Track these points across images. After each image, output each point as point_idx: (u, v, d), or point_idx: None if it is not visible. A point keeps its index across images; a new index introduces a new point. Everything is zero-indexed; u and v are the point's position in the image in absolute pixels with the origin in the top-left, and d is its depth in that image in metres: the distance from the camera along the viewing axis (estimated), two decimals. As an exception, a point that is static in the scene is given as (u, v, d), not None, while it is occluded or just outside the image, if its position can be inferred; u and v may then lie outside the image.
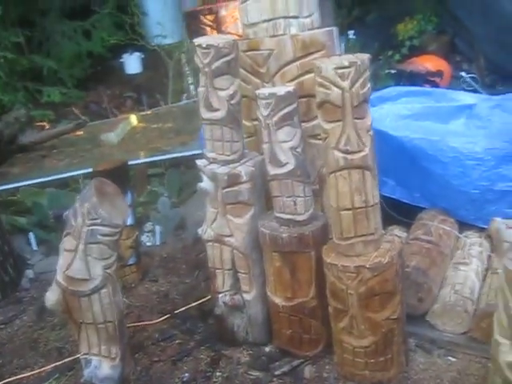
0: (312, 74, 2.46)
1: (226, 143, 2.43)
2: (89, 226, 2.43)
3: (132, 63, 8.67)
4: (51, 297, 2.56)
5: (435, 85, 4.05)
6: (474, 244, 2.99)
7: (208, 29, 3.70)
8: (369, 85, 2.10)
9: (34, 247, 3.91)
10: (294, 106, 2.30)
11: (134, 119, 4.30)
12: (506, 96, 3.28)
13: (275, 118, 2.27)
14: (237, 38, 3.66)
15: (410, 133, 2.99)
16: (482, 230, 3.04)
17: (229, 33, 3.67)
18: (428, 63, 4.08)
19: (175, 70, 5.72)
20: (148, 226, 3.86)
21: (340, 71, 2.03)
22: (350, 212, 2.21)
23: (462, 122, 3.10)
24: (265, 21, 2.52)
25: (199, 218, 3.85)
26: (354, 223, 2.23)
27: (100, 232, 2.44)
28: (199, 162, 2.52)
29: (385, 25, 7.13)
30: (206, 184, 2.50)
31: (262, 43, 2.53)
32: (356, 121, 2.10)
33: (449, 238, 3.00)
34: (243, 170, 2.44)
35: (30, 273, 3.70)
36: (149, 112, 4.75)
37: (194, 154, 3.42)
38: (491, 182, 2.91)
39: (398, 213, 3.13)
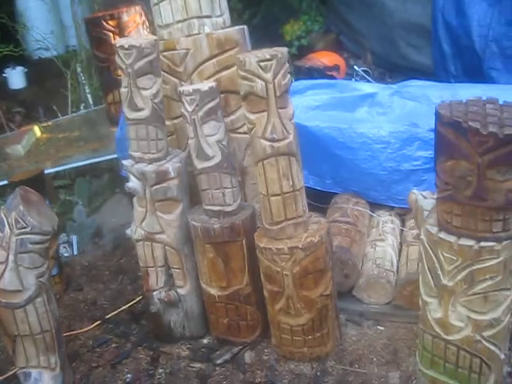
0: (228, 71, 2.62)
1: (151, 142, 2.48)
2: (18, 235, 2.40)
3: (15, 78, 8.40)
4: (-18, 313, 2.48)
5: (333, 78, 4.28)
6: (386, 222, 3.21)
7: (111, 34, 3.68)
8: (289, 76, 2.23)
9: None
10: (217, 100, 2.38)
11: (37, 130, 4.21)
12: (402, 84, 3.54)
13: (200, 113, 2.34)
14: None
15: (319, 122, 3.16)
16: (391, 208, 3.29)
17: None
18: (325, 58, 4.31)
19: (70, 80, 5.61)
20: (63, 236, 3.80)
21: (263, 64, 2.14)
22: (280, 197, 2.33)
23: (366, 109, 3.32)
24: (179, 21, 2.59)
25: (114, 225, 3.89)
26: (283, 207, 2.34)
27: (30, 240, 2.40)
28: (125, 162, 2.55)
29: (272, 26, 7.37)
30: (133, 183, 2.54)
31: (178, 43, 2.60)
32: (280, 110, 2.22)
33: (363, 218, 3.20)
34: (171, 166, 2.50)
35: None
36: (50, 123, 4.65)
37: (113, 158, 3.41)
38: (397, 163, 3.13)
39: (313, 200, 3.29)
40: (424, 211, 2.10)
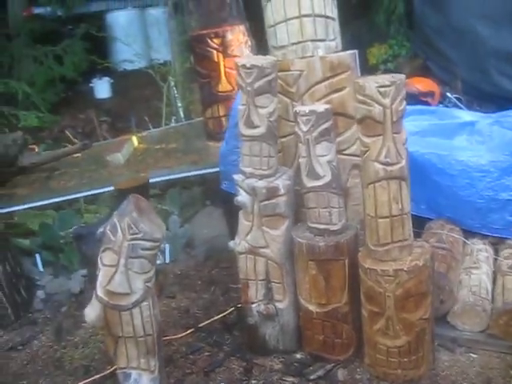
0: (339, 93, 2.68)
1: (263, 158, 2.57)
2: (130, 240, 2.50)
3: (101, 88, 8.77)
4: (91, 312, 2.59)
5: (427, 104, 4.30)
6: (480, 250, 3.20)
7: (214, 52, 3.83)
8: (405, 102, 2.28)
9: (41, 269, 3.92)
10: (331, 122, 2.46)
11: (134, 140, 4.38)
12: (502, 113, 3.53)
13: (314, 134, 2.42)
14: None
15: (419, 148, 3.19)
16: (485, 237, 3.27)
17: (235, 56, 3.80)
18: (420, 84, 4.33)
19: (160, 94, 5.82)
20: (156, 244, 3.92)
21: (382, 89, 2.21)
22: (388, 220, 2.37)
23: (465, 137, 3.33)
24: (294, 43, 2.68)
25: (206, 236, 3.99)
26: (391, 230, 2.39)
27: (141, 246, 2.51)
28: (236, 177, 2.65)
29: (356, 48, 7.41)
30: (243, 197, 2.63)
31: (292, 64, 2.68)
32: (395, 135, 2.27)
33: (458, 245, 3.20)
34: (281, 183, 2.58)
35: (41, 293, 3.72)
36: (144, 134, 4.84)
37: (215, 172, 3.52)
38: (495, 192, 3.13)
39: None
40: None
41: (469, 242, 3.24)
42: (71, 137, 5.48)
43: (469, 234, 3.31)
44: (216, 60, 3.86)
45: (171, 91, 5.54)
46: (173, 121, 5.45)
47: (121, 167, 4.00)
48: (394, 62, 6.60)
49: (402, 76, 2.28)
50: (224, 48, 3.82)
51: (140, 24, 9.80)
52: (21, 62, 8.70)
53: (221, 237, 3.73)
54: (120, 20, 9.87)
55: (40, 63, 8.68)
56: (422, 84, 4.36)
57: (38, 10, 9.94)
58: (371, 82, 2.22)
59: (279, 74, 2.69)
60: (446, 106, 4.78)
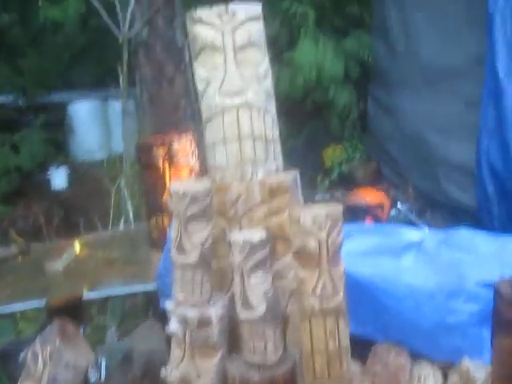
0: (278, 217, 2.60)
1: (196, 286, 2.45)
2: (51, 370, 2.34)
3: (58, 178, 8.63)
4: None
5: (377, 217, 4.27)
6: (428, 376, 3.07)
7: (160, 162, 3.77)
8: (342, 233, 2.21)
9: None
10: (267, 251, 2.36)
11: (77, 246, 4.23)
12: (452, 231, 3.49)
13: (249, 264, 2.32)
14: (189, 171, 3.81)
15: (365, 268, 3.11)
16: (433, 361, 3.15)
17: (181, 165, 3.75)
18: (368, 197, 4.32)
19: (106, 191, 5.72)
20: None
21: (318, 222, 2.13)
22: (324, 355, 2.24)
23: (412, 257, 3.26)
24: (233, 165, 2.62)
25: (144, 351, 3.77)
26: (327, 366, 2.25)
27: (63, 376, 2.34)
28: (168, 304, 2.51)
29: (313, 149, 7.51)
30: (174, 326, 2.48)
31: (230, 188, 2.61)
32: (331, 268, 2.18)
33: (405, 370, 3.06)
34: (213, 312, 2.45)
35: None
36: (89, 237, 4.69)
37: (153, 291, 3.37)
38: (442, 315, 3.04)
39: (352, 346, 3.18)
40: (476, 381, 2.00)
41: (415, 368, 3.11)
42: (15, 236, 5.27)
43: (416, 358, 3.19)
44: (161, 169, 3.79)
45: (121, 191, 5.44)
46: (122, 222, 5.32)
47: (59, 276, 3.82)
48: (348, 164, 6.65)
49: (340, 207, 2.22)
50: (170, 157, 3.76)
51: (102, 115, 9.81)
52: (-24, 151, 8.58)
53: (160, 352, 3.53)
54: (82, 111, 9.87)
55: (-3, 152, 8.57)
56: (370, 196, 4.36)
57: (-1, 99, 9.93)
58: (307, 214, 2.15)
59: (215, 197, 2.61)
60: (397, 217, 4.77)
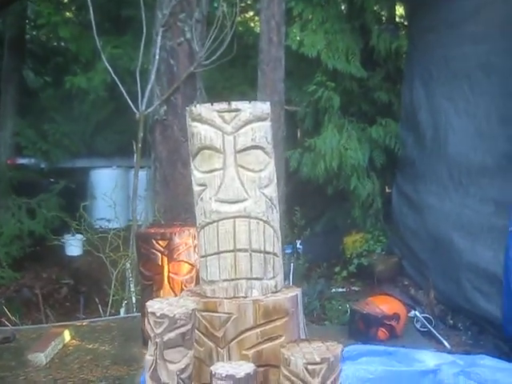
0: (272, 343, 2.28)
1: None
2: None
3: (73, 245, 8.44)
4: None
5: (392, 329, 3.91)
6: None
7: (159, 255, 3.49)
8: (340, 380, 1.88)
9: None
10: (254, 388, 2.03)
11: (67, 335, 3.92)
12: (471, 360, 3.11)
13: (231, 403, 1.98)
14: (191, 267, 3.51)
15: (371, 401, 2.74)
16: None
17: (181, 261, 3.46)
18: (384, 305, 3.96)
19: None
20: None
21: (310, 367, 1.81)
22: None
23: (426, 389, 2.88)
24: (225, 280, 2.33)
25: None
26: None
27: None
28: None
29: (332, 236, 7.21)
30: None
31: (220, 305, 2.31)
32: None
33: None
34: None
35: None
36: (84, 323, 4.39)
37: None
38: None
39: None
40: None
41: None
42: (7, 324, 5.00)
43: None
44: (160, 263, 3.51)
45: (127, 273, 5.16)
46: (123, 307, 5.02)
47: (41, 369, 3.51)
48: (369, 257, 6.31)
49: (339, 347, 1.89)
50: (170, 252, 3.49)
51: (123, 183, 9.69)
52: (-8, 212, 8.50)
53: None
54: (103, 178, 9.80)
55: (12, 215, 8.46)
56: (386, 305, 4.01)
57: (22, 161, 9.93)
58: (299, 357, 1.83)
59: (204, 313, 2.31)
60: (415, 325, 4.39)
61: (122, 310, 5.03)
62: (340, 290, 6.10)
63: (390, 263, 6.17)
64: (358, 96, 6.90)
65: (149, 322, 2.04)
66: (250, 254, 2.33)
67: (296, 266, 6.12)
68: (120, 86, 5.39)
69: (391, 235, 6.52)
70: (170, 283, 3.54)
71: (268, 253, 2.37)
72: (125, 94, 5.37)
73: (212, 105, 2.30)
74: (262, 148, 2.35)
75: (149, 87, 5.35)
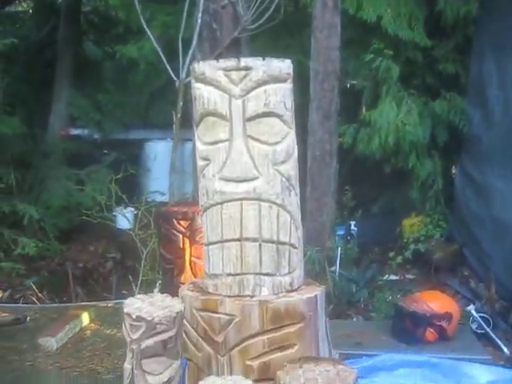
0: (282, 353, 1.88)
1: None
2: None
3: (124, 219, 8.26)
4: None
5: (442, 330, 3.42)
6: None
7: (180, 236, 3.14)
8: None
9: None
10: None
11: (85, 318, 3.66)
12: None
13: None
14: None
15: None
16: None
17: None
18: (435, 303, 3.47)
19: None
20: None
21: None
22: None
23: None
24: (229, 274, 1.94)
25: None
26: None
27: None
28: None
29: (390, 218, 6.71)
30: None
31: (221, 305, 1.92)
32: None
33: None
34: None
35: None
36: (109, 304, 4.11)
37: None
38: None
39: None
40: None
41: None
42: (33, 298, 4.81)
43: None
44: (181, 246, 3.15)
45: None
46: (157, 287, 4.72)
47: (51, 355, 3.24)
48: (426, 243, 5.77)
49: (352, 375, 1.47)
50: (192, 233, 3.13)
51: (178, 156, 9.45)
52: (43, 183, 8.41)
53: None
54: (158, 150, 9.60)
55: (61, 186, 8.35)
56: (437, 303, 3.51)
57: (76, 131, 9.84)
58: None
59: (203, 313, 1.94)
60: (471, 327, 3.87)
61: (156, 291, 4.73)
62: (393, 277, 5.61)
63: (450, 251, 5.62)
64: (420, 67, 6.29)
65: (124, 325, 1.68)
66: (260, 245, 1.93)
67: (345, 249, 5.67)
68: (161, 53, 5.07)
69: (452, 220, 5.95)
70: (192, 268, 3.19)
71: (282, 243, 1.96)
72: (165, 61, 5.03)
73: (218, 61, 1.89)
74: (278, 115, 1.92)
75: (190, 53, 4.97)
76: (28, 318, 3.73)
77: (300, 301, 1.91)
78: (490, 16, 5.64)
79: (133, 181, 8.81)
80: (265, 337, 1.88)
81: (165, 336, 1.66)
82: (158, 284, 4.94)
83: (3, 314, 3.73)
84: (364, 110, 7.27)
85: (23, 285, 6.19)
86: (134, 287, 5.17)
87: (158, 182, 8.50)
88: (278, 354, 1.88)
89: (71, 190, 8.29)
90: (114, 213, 8.13)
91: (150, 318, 1.64)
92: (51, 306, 4.31)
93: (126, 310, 1.68)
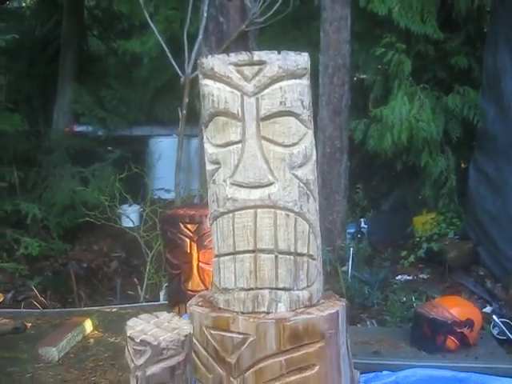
0: (301, 375, 1.71)
1: None
2: None
3: (129, 216, 8.14)
4: None
5: (463, 338, 3.26)
6: None
7: (187, 240, 2.98)
8: None
9: None
10: None
11: (88, 325, 3.50)
12: None
13: None
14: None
15: None
16: None
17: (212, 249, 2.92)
18: (455, 309, 3.29)
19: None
20: None
21: None
22: None
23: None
24: (242, 289, 1.77)
25: None
26: None
27: None
28: None
29: (400, 216, 6.54)
30: None
31: (233, 323, 1.75)
32: None
33: None
34: None
35: None
36: (114, 310, 3.96)
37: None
38: None
39: None
40: None
41: None
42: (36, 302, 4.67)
43: None
44: (188, 251, 2.99)
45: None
46: (162, 290, 4.58)
47: (52, 366, 3.08)
48: (440, 242, 5.60)
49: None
50: (199, 237, 2.96)
51: (183, 153, 9.30)
52: (46, 181, 8.28)
53: None
54: (162, 147, 9.46)
55: (65, 184, 8.22)
56: (457, 309, 3.33)
57: (79, 128, 9.70)
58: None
59: (214, 332, 1.77)
60: (492, 333, 3.70)
61: (162, 294, 4.58)
62: (406, 277, 5.45)
63: (464, 250, 5.45)
64: (433, 61, 6.10)
65: (127, 350, 1.51)
66: (276, 257, 1.76)
67: (357, 249, 5.51)
68: (165, 48, 4.91)
69: (466, 218, 5.77)
70: (199, 274, 3.04)
71: (300, 255, 1.79)
72: (170, 56, 4.86)
73: (228, 56, 1.71)
74: (295, 115, 1.74)
75: (195, 47, 4.81)
76: (28, 325, 3.56)
77: (320, 318, 1.75)
78: (504, 7, 5.45)
79: (138, 178, 8.67)
80: (282, 358, 1.72)
81: (172, 362, 1.50)
82: (164, 287, 4.80)
83: (3, 321, 3.57)
84: (371, 105, 7.11)
85: (26, 286, 6.07)
86: (140, 290, 5.05)
87: (163, 179, 8.36)
88: (297, 376, 1.72)
89: (75, 188, 8.16)
90: (118, 211, 8.00)
91: (155, 343, 1.47)
92: (53, 311, 4.14)
93: (128, 333, 1.52)
